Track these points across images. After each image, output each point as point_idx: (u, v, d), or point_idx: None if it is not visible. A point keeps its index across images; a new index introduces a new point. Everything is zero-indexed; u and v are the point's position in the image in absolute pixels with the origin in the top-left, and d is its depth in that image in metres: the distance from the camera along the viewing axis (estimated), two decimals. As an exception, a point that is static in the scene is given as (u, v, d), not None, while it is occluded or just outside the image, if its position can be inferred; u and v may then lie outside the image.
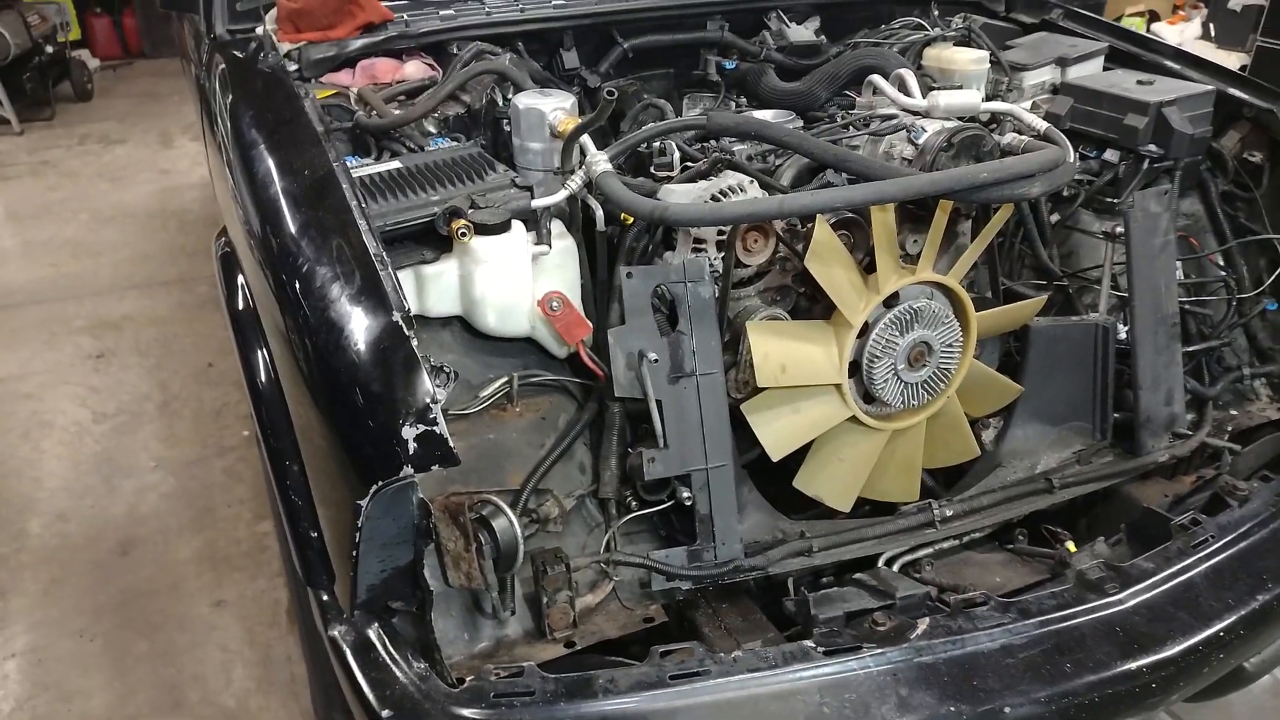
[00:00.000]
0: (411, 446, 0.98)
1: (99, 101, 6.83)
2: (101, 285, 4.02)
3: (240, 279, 1.48)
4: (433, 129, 1.62)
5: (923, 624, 1.18)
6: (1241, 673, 1.38)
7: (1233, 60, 5.25)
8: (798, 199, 1.29)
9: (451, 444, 1.00)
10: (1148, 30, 5.93)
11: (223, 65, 1.69)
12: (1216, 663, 1.24)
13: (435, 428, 0.99)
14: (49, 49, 6.27)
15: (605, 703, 1.08)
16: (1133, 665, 1.18)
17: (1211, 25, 5.58)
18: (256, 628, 2.23)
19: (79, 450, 2.90)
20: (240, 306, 1.42)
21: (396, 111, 1.57)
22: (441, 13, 1.75)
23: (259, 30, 1.76)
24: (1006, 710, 1.11)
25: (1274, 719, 1.84)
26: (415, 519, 1.09)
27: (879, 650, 1.14)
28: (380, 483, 0.99)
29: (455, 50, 1.70)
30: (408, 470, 0.99)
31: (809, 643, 1.16)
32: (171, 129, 6.18)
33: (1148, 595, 1.25)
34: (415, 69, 1.71)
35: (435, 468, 1.00)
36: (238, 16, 1.85)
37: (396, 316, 1.05)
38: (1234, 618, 1.25)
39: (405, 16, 1.73)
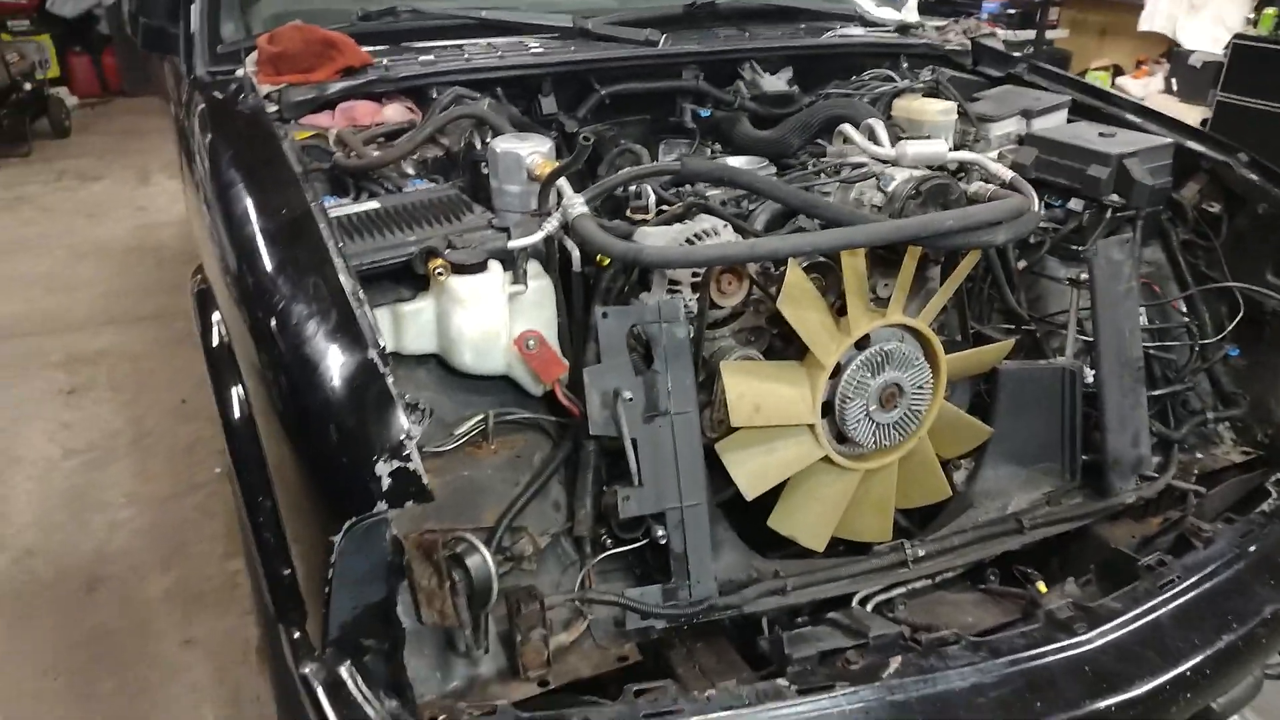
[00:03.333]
0: (385, 482, 0.99)
1: (77, 138, 6.83)
2: (76, 320, 3.99)
3: (215, 316, 1.48)
4: (411, 171, 1.64)
5: (895, 662, 1.19)
6: (1209, 714, 1.39)
7: (1194, 114, 5.41)
8: (769, 243, 1.32)
9: (426, 480, 1.01)
10: (1112, 84, 6.09)
11: (202, 105, 1.71)
12: (1184, 703, 1.25)
13: (409, 464, 1.00)
14: (27, 86, 6.29)
15: (578, 743, 1.08)
16: (1101, 704, 1.19)
17: (1174, 80, 5.74)
18: (226, 666, 2.20)
19: (48, 486, 2.87)
20: (215, 343, 1.43)
21: (375, 153, 1.59)
22: (421, 58, 1.78)
23: (239, 72, 1.78)
24: (976, 748, 1.12)
25: None
26: (388, 556, 1.09)
27: (852, 689, 1.15)
28: (354, 519, 1.00)
29: (435, 95, 1.73)
30: (381, 506, 0.99)
31: (782, 681, 1.16)
32: (149, 166, 6.19)
33: (1116, 635, 1.27)
34: (395, 112, 1.73)
35: (409, 503, 1.01)
36: (218, 58, 1.87)
37: (371, 353, 1.06)
38: (1200, 657, 1.27)
39: (385, 61, 1.76)
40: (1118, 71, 6.31)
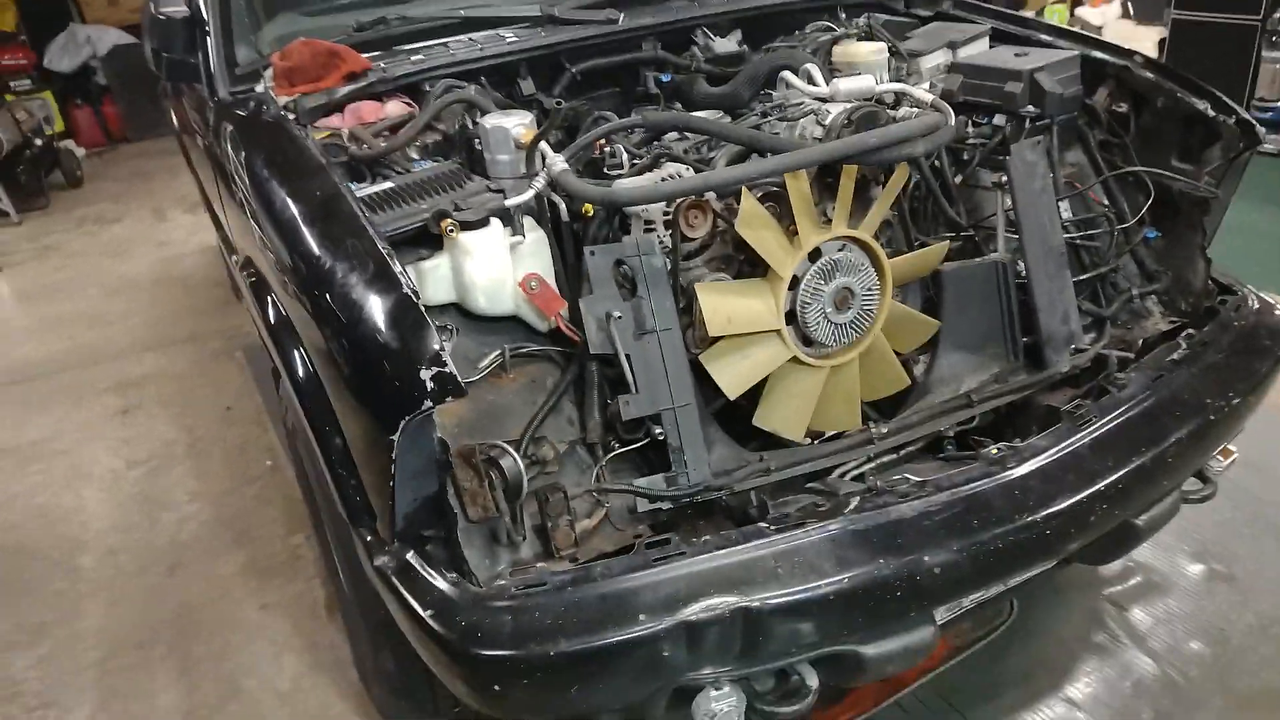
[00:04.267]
0: (429, 385, 1.25)
1: (90, 186, 7.14)
2: (118, 350, 4.29)
3: (269, 297, 1.74)
4: (415, 155, 1.91)
5: (854, 500, 1.45)
6: (1133, 530, 1.63)
7: (1152, 33, 5.61)
8: (720, 174, 1.58)
9: (460, 380, 1.27)
10: (1071, 14, 6.29)
11: (231, 125, 1.98)
12: (1102, 513, 1.50)
13: (446, 368, 1.26)
14: (38, 142, 6.59)
15: (603, 584, 1.34)
16: (1030, 518, 1.45)
17: (1130, 4, 5.94)
18: (300, 621, 2.48)
19: (118, 494, 3.16)
20: (273, 321, 1.68)
21: (383, 143, 1.85)
22: (413, 58, 2.04)
23: (258, 89, 2.05)
24: (926, 559, 1.38)
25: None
26: (436, 452, 1.35)
27: (819, 524, 1.41)
28: (408, 417, 1.26)
29: (428, 88, 1.99)
30: (427, 404, 1.26)
31: (762, 524, 1.43)
32: (163, 204, 6.49)
33: (1040, 464, 1.52)
34: (395, 107, 1.99)
35: (449, 399, 1.27)
36: (237, 79, 2.14)
37: (405, 290, 1.33)
38: (1114, 476, 1.52)
39: (381, 64, 2.02)
40: (1076, 2, 6.50)
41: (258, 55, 2.22)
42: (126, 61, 8.35)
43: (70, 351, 4.34)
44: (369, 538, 1.48)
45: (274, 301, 1.72)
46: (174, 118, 3.89)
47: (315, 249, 1.46)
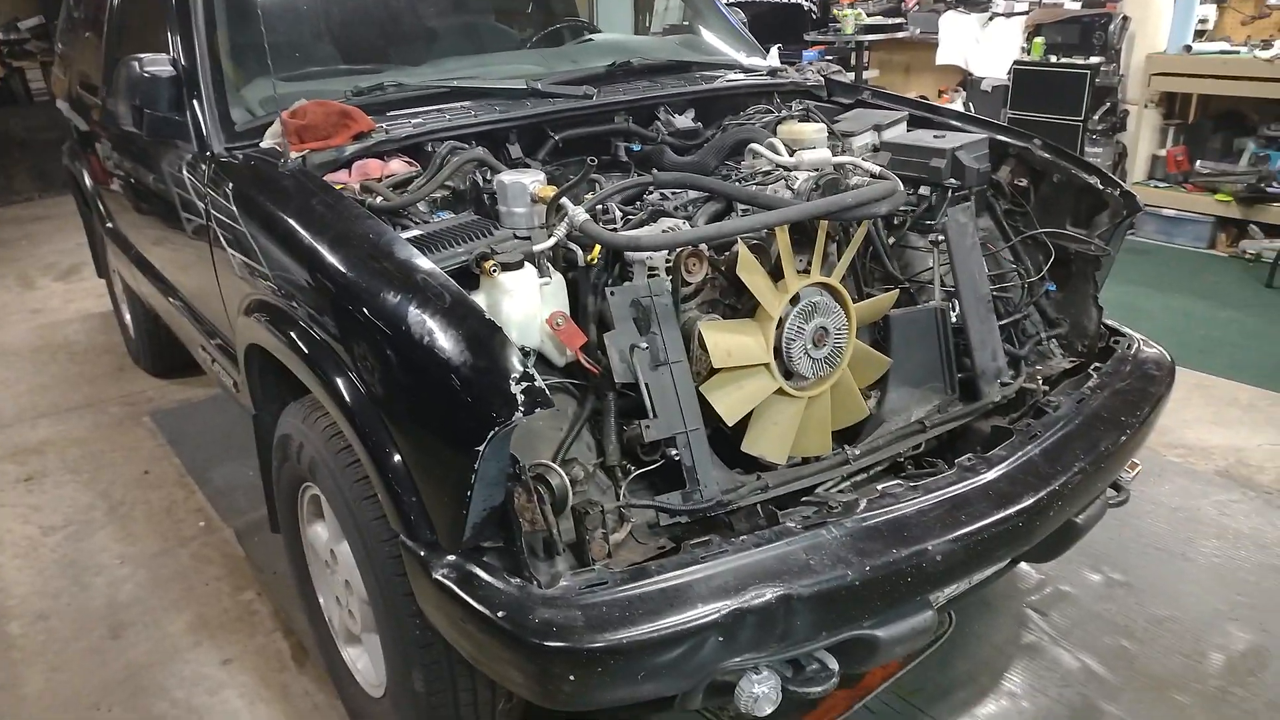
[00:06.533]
0: (520, 397, 1.40)
1: (-60, 254, 6.72)
2: (6, 418, 4.08)
3: (293, 331, 1.83)
4: (424, 208, 2.05)
5: (864, 502, 1.68)
6: (1074, 528, 1.93)
7: (992, 129, 6.33)
8: (733, 223, 1.81)
9: (548, 393, 1.42)
10: (922, 111, 7.01)
11: (237, 177, 2.07)
12: (1057, 509, 1.79)
13: (534, 382, 1.42)
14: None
15: (659, 579, 1.50)
16: (1004, 513, 1.71)
17: (970, 103, 6.70)
18: (268, 674, 2.46)
19: (38, 560, 3.02)
20: (307, 350, 1.77)
21: (398, 197, 2.00)
22: (413, 121, 2.19)
23: (264, 144, 2.15)
24: (929, 547, 1.61)
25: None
26: (508, 465, 1.49)
27: (838, 521, 1.62)
28: (495, 430, 1.40)
29: (430, 148, 2.15)
30: (517, 415, 1.40)
31: (790, 523, 1.63)
32: (29, 271, 6.19)
33: (1005, 470, 1.79)
34: (398, 166, 2.13)
35: (537, 410, 1.41)
36: (235, 136, 2.23)
37: (486, 315, 1.48)
38: (1064, 478, 1.81)
39: (385, 126, 2.16)
40: (924, 99, 7.25)
41: (249, 114, 2.31)
42: (-24, 127, 7.98)
43: (-50, 420, 4.09)
44: (422, 552, 1.58)
45: (305, 331, 1.80)
46: (87, 178, 3.84)
47: (384, 284, 1.58)
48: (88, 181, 3.85)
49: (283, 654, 2.52)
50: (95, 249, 4.58)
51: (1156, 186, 5.97)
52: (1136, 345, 2.30)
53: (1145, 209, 3.21)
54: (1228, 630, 2.46)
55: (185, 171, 2.35)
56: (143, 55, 2.33)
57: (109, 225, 3.71)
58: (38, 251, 6.65)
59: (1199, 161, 5.83)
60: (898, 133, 2.62)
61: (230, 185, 2.10)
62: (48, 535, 3.16)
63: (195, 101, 2.29)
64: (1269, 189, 5.40)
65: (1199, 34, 6.05)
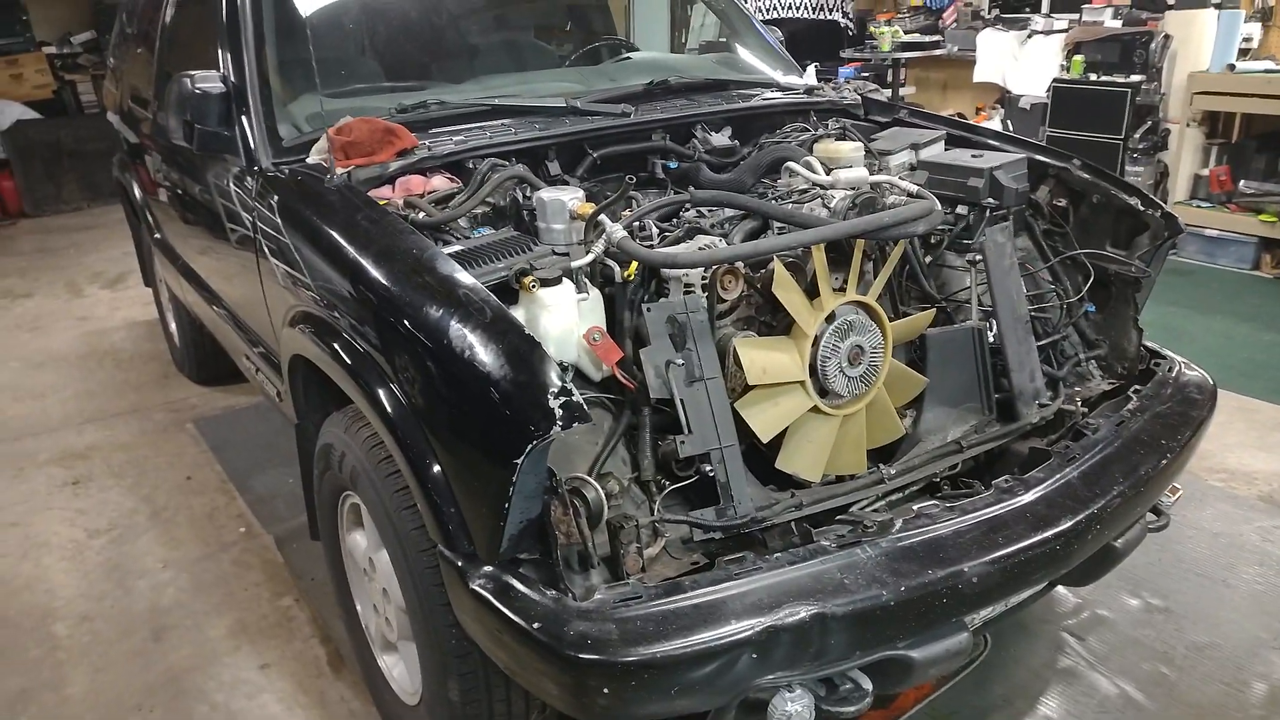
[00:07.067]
0: (559, 412, 1.42)
1: (-9, 261, 6.91)
2: (54, 422, 4.18)
3: (335, 344, 1.87)
4: (464, 223, 2.09)
5: (899, 522, 1.67)
6: (1113, 551, 1.91)
7: (1031, 147, 6.29)
8: (770, 242, 1.82)
9: (585, 407, 1.44)
10: (959, 128, 6.99)
11: (284, 191, 2.12)
12: (1095, 534, 1.77)
13: (573, 397, 1.44)
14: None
15: (694, 595, 1.51)
16: (1041, 536, 1.70)
17: (1008, 121, 6.66)
18: (305, 679, 2.49)
19: (83, 563, 3.09)
20: (350, 361, 1.81)
21: (440, 212, 2.03)
22: (454, 139, 2.23)
23: (310, 160, 2.20)
24: (965, 569, 1.60)
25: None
26: (545, 479, 1.51)
27: (874, 541, 1.62)
28: (534, 443, 1.42)
29: (471, 165, 2.19)
30: (556, 428, 1.42)
31: (825, 541, 1.63)
32: (77, 279, 6.34)
33: (1043, 492, 1.78)
34: (440, 182, 2.17)
35: (575, 424, 1.43)
36: (282, 151, 2.28)
37: (525, 330, 1.50)
38: (1102, 502, 1.79)
39: (427, 143, 2.21)
40: (962, 116, 7.23)
41: (296, 130, 2.37)
42: (28, 136, 8.20)
43: (0, 424, 4.20)
44: (460, 562, 1.60)
45: (348, 342, 1.84)
46: (136, 189, 3.94)
47: (426, 298, 1.61)
48: (136, 192, 3.94)
49: (320, 660, 2.56)
50: (143, 258, 4.69)
51: (1199, 206, 5.89)
52: (1178, 368, 2.27)
53: (1187, 229, 3.18)
54: (1270, 659, 2.41)
55: (233, 185, 2.41)
56: (194, 72, 2.40)
57: (157, 235, 3.81)
58: (85, 260, 6.81)
59: (1242, 181, 5.75)
60: (935, 151, 2.62)
61: (276, 199, 2.15)
62: (93, 539, 3.23)
63: (244, 117, 2.35)
64: (1315, 210, 5.32)
65: (1242, 53, 5.97)
